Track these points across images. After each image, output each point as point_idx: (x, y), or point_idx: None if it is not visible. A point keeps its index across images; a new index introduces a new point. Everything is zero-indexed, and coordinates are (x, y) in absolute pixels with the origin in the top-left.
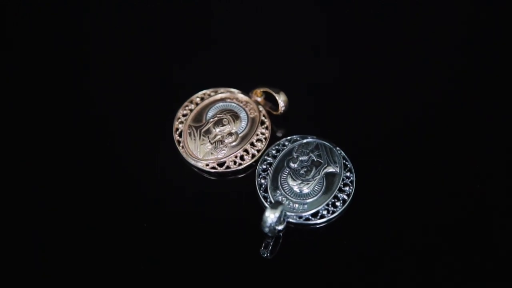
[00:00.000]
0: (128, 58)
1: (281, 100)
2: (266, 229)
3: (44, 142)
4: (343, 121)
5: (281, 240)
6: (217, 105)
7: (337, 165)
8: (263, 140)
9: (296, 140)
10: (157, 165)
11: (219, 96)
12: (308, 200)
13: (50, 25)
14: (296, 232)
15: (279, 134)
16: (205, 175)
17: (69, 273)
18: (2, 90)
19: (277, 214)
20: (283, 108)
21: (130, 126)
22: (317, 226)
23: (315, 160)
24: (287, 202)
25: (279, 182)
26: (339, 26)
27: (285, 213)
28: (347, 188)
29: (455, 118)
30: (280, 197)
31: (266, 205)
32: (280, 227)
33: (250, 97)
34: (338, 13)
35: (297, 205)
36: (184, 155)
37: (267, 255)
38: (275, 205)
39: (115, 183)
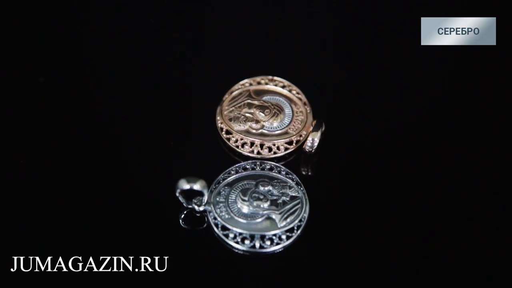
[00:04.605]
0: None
1: (312, 137)
2: (176, 193)
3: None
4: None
5: (205, 224)
6: (281, 99)
7: (285, 225)
8: (272, 153)
9: (293, 180)
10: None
11: (292, 95)
12: (234, 217)
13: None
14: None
15: (307, 172)
16: (214, 127)
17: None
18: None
19: (186, 186)
20: (305, 145)
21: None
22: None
23: (278, 202)
24: (222, 199)
25: (235, 185)
26: None
27: (207, 199)
28: (268, 243)
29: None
30: (223, 192)
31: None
32: (199, 207)
33: (312, 120)
34: None
35: (223, 211)
36: (221, 102)
37: (180, 220)
38: (193, 180)
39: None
